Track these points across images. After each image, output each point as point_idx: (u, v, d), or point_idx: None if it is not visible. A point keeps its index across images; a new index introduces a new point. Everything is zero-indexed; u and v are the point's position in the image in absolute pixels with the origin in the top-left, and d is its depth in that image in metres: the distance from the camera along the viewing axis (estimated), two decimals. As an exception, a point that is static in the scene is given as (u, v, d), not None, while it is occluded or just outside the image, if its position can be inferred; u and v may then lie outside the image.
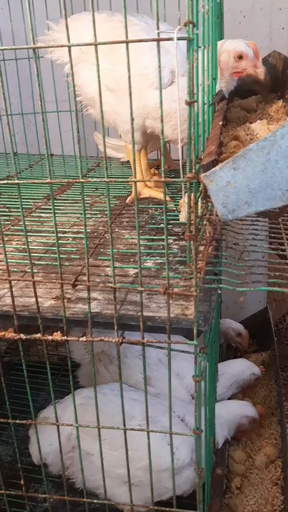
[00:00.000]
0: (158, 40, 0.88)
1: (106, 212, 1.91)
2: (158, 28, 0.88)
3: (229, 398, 2.36)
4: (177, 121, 1.69)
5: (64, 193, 2.19)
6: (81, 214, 1.91)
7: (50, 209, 1.98)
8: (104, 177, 1.00)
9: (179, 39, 0.90)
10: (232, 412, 2.08)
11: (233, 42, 1.70)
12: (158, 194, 2.02)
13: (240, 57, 1.68)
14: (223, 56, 1.69)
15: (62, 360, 3.05)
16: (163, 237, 1.60)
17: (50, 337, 1.19)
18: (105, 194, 2.14)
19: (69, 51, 0.93)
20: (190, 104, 0.91)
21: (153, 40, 0.88)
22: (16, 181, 1.06)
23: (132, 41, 0.88)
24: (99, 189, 2.22)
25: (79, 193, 2.16)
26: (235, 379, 2.38)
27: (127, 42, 0.88)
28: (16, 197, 2.11)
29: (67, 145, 2.75)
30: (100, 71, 1.88)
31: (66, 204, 2.02)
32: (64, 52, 2.00)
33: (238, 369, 2.40)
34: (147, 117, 1.84)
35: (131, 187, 2.15)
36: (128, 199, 2.02)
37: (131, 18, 1.88)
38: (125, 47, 0.89)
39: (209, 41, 1.40)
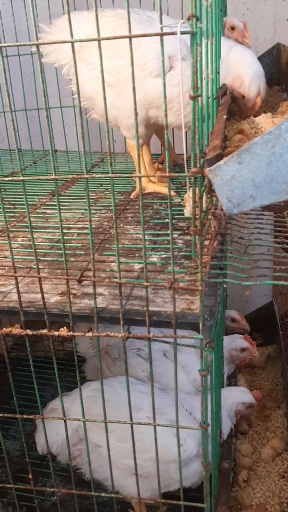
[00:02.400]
0: (162, 35, 0.88)
1: (110, 208, 1.91)
2: (161, 22, 0.87)
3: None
4: (180, 107, 1.71)
5: (69, 189, 2.19)
6: (85, 210, 1.90)
7: (54, 205, 1.98)
8: (108, 173, 1.00)
9: (182, 33, 0.90)
10: (230, 400, 2.09)
11: (253, 76, 1.78)
12: (163, 189, 2.02)
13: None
14: (236, 81, 1.81)
15: (68, 355, 3.06)
16: (168, 232, 1.60)
17: (56, 333, 1.20)
18: (109, 189, 2.14)
19: (72, 46, 0.92)
20: (194, 98, 0.91)
21: (156, 34, 0.88)
22: (21, 178, 1.06)
23: (136, 36, 0.87)
24: (103, 185, 2.22)
25: (83, 189, 2.16)
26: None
27: (130, 37, 0.88)
28: (20, 193, 2.11)
29: (71, 141, 2.75)
30: (97, 68, 1.89)
31: (71, 200, 2.03)
32: (59, 55, 2.00)
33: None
34: (150, 107, 1.83)
35: (135, 182, 2.14)
36: (132, 194, 2.02)
37: (121, 12, 1.88)
38: (121, 40, 0.89)
39: (213, 34, 1.39)
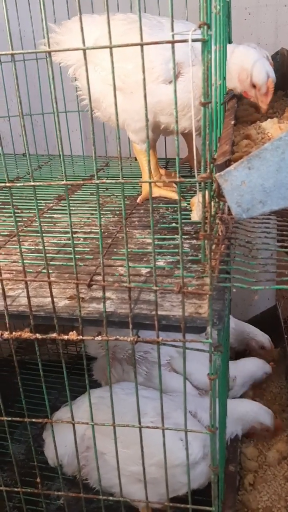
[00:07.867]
0: (173, 42, 0.89)
1: (116, 212, 1.92)
2: (173, 30, 0.88)
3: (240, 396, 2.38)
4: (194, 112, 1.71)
5: (75, 193, 2.20)
6: (91, 214, 1.92)
7: (61, 209, 1.99)
8: (118, 178, 1.01)
9: (193, 40, 0.91)
10: (251, 414, 2.10)
11: (255, 62, 1.70)
12: (168, 193, 2.03)
13: (254, 85, 1.71)
14: (242, 74, 1.72)
15: (72, 359, 3.07)
16: (175, 236, 1.62)
17: (66, 337, 1.21)
18: (115, 194, 2.15)
19: (84, 54, 0.94)
20: (204, 105, 0.92)
21: (167, 42, 0.89)
22: (33, 183, 1.07)
23: (147, 43, 0.88)
24: (109, 189, 2.23)
25: (89, 194, 2.17)
26: (249, 379, 2.40)
27: (141, 45, 0.89)
28: (26, 198, 2.13)
29: (75, 145, 2.76)
30: (105, 70, 1.89)
31: (77, 205, 2.04)
32: (67, 55, 2.01)
33: (252, 368, 2.42)
34: (160, 113, 1.83)
35: (141, 187, 2.15)
36: (138, 199, 2.03)
37: (132, 16, 1.89)
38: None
39: (220, 40, 1.41)
